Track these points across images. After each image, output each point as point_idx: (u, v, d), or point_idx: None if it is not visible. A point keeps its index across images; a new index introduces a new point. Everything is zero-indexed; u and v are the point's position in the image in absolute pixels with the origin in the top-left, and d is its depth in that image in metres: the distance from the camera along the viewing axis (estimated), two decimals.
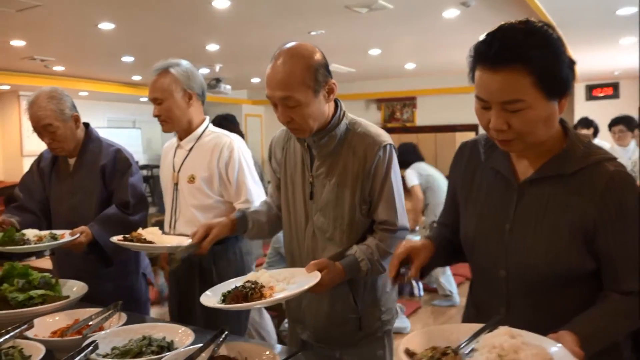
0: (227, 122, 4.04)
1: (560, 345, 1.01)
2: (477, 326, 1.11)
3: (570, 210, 1.16)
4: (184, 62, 2.16)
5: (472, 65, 1.15)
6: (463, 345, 1.05)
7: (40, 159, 2.42)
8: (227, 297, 1.38)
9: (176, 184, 2.19)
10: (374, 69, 9.11)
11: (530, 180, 1.22)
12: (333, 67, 8.41)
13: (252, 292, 1.37)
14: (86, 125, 2.36)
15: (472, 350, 1.04)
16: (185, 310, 2.19)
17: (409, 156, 4.98)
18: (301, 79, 1.50)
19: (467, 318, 1.40)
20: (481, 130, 1.27)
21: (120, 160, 2.27)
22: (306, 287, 1.37)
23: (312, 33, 6.03)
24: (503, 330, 1.03)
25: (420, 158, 5.09)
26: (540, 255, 1.18)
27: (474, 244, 1.31)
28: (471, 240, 1.31)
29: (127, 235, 1.86)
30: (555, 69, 1.10)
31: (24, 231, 2.01)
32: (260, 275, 1.46)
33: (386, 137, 1.64)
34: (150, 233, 1.86)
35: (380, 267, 1.61)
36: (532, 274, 1.20)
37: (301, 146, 1.68)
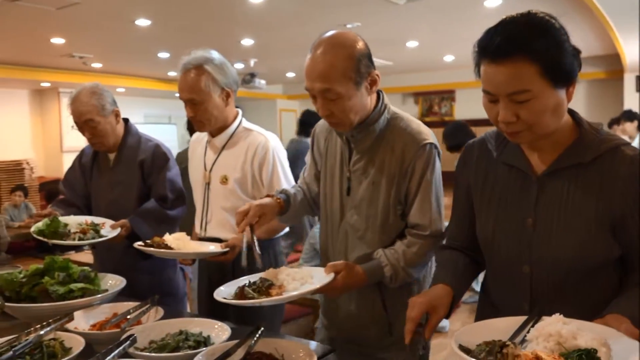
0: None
1: (611, 328, 1.02)
2: (519, 319, 1.12)
3: (594, 199, 1.17)
4: (215, 55, 2.02)
5: (477, 60, 1.18)
6: (513, 337, 1.06)
7: (81, 154, 2.50)
8: (237, 294, 1.38)
9: (208, 184, 2.11)
10: (411, 62, 9.01)
11: (549, 172, 1.22)
12: None
13: (260, 290, 1.37)
14: (125, 120, 2.42)
15: (524, 341, 1.05)
16: (217, 306, 2.19)
17: (461, 138, 4.49)
18: (342, 71, 1.44)
19: (483, 318, 1.35)
20: None
21: (158, 155, 2.32)
22: (310, 288, 1.36)
23: (348, 26, 6.01)
24: (555, 318, 1.05)
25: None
26: (567, 247, 1.18)
27: (493, 243, 1.30)
28: (490, 239, 1.30)
29: (148, 241, 1.89)
30: (558, 57, 1.11)
31: (67, 218, 2.10)
32: (277, 273, 1.45)
33: (427, 135, 1.55)
34: (177, 239, 1.86)
35: (405, 274, 1.53)
36: (558, 267, 1.20)
37: (340, 139, 1.64)
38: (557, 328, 1.02)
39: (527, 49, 1.09)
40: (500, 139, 1.31)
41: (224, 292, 1.42)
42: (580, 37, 6.62)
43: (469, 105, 10.31)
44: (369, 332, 1.63)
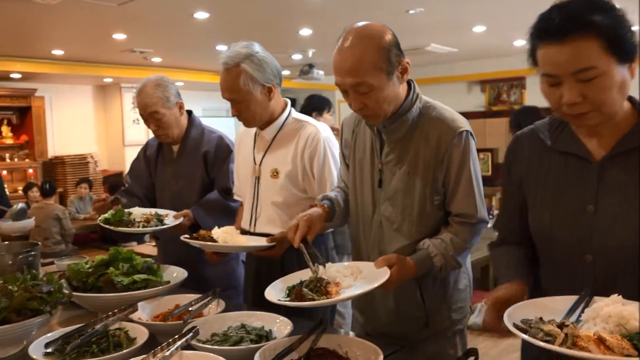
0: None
1: None
2: (569, 298, 1.17)
3: None
4: (255, 48, 1.97)
5: (534, 44, 1.19)
6: (566, 317, 1.10)
7: (146, 146, 2.60)
8: (291, 293, 1.38)
9: (257, 178, 2.10)
10: (478, 48, 8.75)
11: (610, 157, 1.22)
12: (432, 47, 8.26)
13: (317, 289, 1.36)
14: (189, 112, 2.49)
15: (579, 321, 1.08)
16: (265, 301, 2.19)
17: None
18: (373, 63, 1.44)
19: None
20: None
21: (221, 147, 2.37)
22: (375, 285, 1.34)
23: (411, 12, 5.90)
24: (614, 299, 1.07)
25: None
26: (631, 233, 1.17)
27: (551, 233, 1.30)
28: (548, 230, 1.30)
29: (194, 234, 1.94)
30: (622, 31, 1.12)
31: (131, 209, 2.19)
32: (326, 270, 1.44)
33: (462, 123, 1.56)
34: (225, 232, 1.89)
35: (455, 262, 1.55)
36: (622, 254, 1.19)
37: (371, 130, 1.64)
38: (617, 309, 1.03)
39: (590, 24, 1.10)
40: (554, 127, 1.32)
41: (274, 293, 1.42)
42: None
43: (540, 93, 9.90)
44: (407, 326, 1.64)
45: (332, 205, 1.71)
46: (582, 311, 1.11)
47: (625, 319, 1.00)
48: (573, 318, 1.10)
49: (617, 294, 1.08)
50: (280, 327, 1.48)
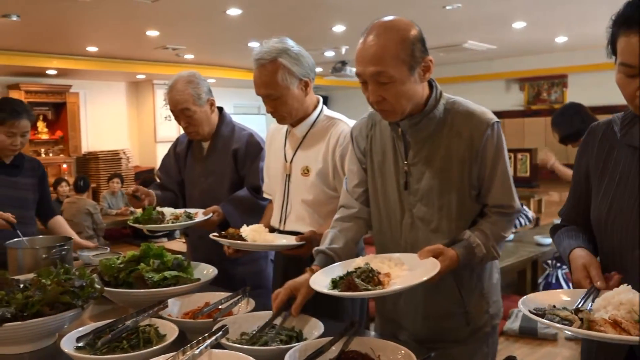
0: None
1: None
2: (581, 291, 1.22)
3: None
4: (290, 43, 1.97)
5: (614, 32, 1.18)
6: (580, 304, 1.15)
7: (176, 143, 2.63)
8: (338, 284, 1.36)
9: (288, 176, 2.08)
10: (517, 45, 8.59)
11: None
12: (470, 44, 8.15)
13: (369, 279, 1.34)
14: (220, 109, 2.51)
15: (590, 311, 1.12)
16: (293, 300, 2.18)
17: (578, 125, 3.43)
18: (396, 53, 1.43)
19: None
20: None
21: (252, 144, 2.38)
22: (429, 275, 1.32)
23: (448, 7, 5.83)
24: (624, 288, 1.10)
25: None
26: None
27: (607, 225, 1.31)
28: (604, 221, 1.32)
29: (223, 232, 1.94)
30: None
31: (161, 209, 2.21)
32: (370, 260, 1.43)
33: (492, 115, 1.56)
34: (254, 230, 1.89)
35: (495, 252, 1.55)
36: None
37: (392, 132, 1.61)
38: (629, 297, 1.06)
39: None
40: (627, 120, 1.31)
41: (318, 284, 1.40)
42: None
43: (583, 91, 9.64)
44: (446, 325, 1.62)
45: (329, 261, 1.62)
46: (593, 301, 1.15)
47: (637, 305, 1.03)
48: (587, 306, 1.14)
49: (626, 284, 1.12)
50: (311, 327, 1.47)
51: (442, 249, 1.45)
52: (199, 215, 2.23)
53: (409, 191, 1.58)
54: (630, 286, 1.11)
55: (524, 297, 1.21)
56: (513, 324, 4.16)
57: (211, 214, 2.20)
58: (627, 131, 1.30)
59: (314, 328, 1.46)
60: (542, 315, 1.13)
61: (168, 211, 2.22)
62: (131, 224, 2.18)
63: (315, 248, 1.68)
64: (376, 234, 1.72)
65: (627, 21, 1.14)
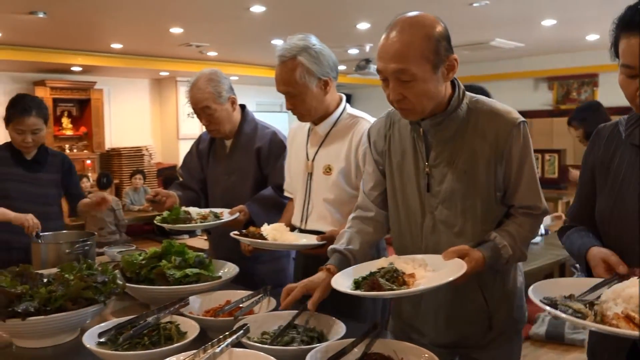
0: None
1: None
2: (590, 280, 1.26)
3: None
4: (312, 41, 1.98)
5: (617, 35, 1.24)
6: (586, 295, 1.18)
7: (199, 140, 2.64)
8: (361, 284, 1.35)
9: (310, 174, 2.09)
10: (547, 43, 8.45)
11: None
12: (497, 42, 8.05)
13: (394, 279, 1.32)
14: (242, 107, 2.51)
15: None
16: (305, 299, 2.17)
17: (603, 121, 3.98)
18: (420, 50, 1.40)
19: None
20: None
21: (275, 143, 2.38)
22: (456, 276, 1.30)
23: (475, 5, 5.76)
24: (634, 281, 1.11)
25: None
26: None
27: (610, 223, 1.36)
28: (607, 219, 1.37)
29: (243, 230, 1.94)
30: None
31: (187, 209, 2.23)
32: (393, 261, 1.42)
33: (517, 114, 1.54)
34: (275, 229, 1.89)
35: (521, 254, 1.54)
36: None
37: (413, 132, 1.58)
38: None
39: None
40: (632, 121, 1.36)
41: (340, 284, 1.39)
42: None
43: (614, 91, 9.37)
44: (469, 330, 1.59)
45: (345, 261, 1.61)
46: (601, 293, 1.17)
47: None
48: (594, 297, 1.17)
49: (637, 277, 1.13)
50: (333, 328, 1.47)
51: (468, 249, 1.43)
52: (225, 214, 2.24)
53: (430, 193, 1.55)
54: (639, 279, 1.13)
55: (534, 285, 1.23)
56: (539, 328, 4.09)
57: (237, 214, 2.21)
58: (632, 131, 1.36)
59: (336, 329, 1.45)
60: (554, 305, 1.14)
61: (194, 211, 2.23)
62: (158, 223, 2.20)
63: (331, 247, 1.67)
64: (395, 236, 1.69)
65: (628, 24, 1.20)
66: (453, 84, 1.55)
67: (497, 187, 1.51)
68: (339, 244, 1.66)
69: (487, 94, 2.06)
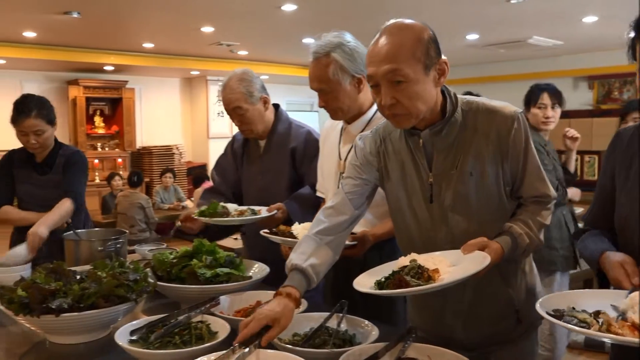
0: None
1: None
2: (602, 292, 1.29)
3: None
4: (347, 38, 1.98)
5: (633, 38, 1.29)
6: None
7: (233, 140, 2.66)
8: (385, 284, 1.34)
9: (342, 174, 2.02)
10: (587, 40, 8.26)
11: None
12: (535, 39, 7.91)
13: (419, 276, 1.32)
14: (276, 106, 2.52)
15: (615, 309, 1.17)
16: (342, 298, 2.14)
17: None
18: (411, 51, 1.40)
19: None
20: None
21: (310, 142, 2.38)
22: (480, 267, 1.29)
23: (512, 1, 5.66)
24: None
25: None
26: None
27: (628, 227, 1.36)
28: (625, 224, 1.38)
29: (274, 229, 1.94)
30: None
31: (225, 204, 2.25)
32: (415, 259, 1.40)
33: (513, 107, 1.53)
34: (305, 228, 1.88)
35: (538, 241, 1.53)
36: None
37: (410, 144, 1.56)
38: None
39: None
40: None
41: (362, 285, 1.38)
42: None
43: None
44: (498, 328, 1.58)
45: (307, 281, 1.51)
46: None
47: None
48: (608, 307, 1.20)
49: None
50: (366, 331, 1.46)
51: (487, 241, 1.42)
52: (263, 212, 2.25)
53: (437, 203, 1.54)
54: None
55: (542, 298, 1.25)
56: (578, 336, 4.00)
57: (275, 211, 2.22)
58: None
59: (369, 332, 1.44)
60: (561, 317, 1.15)
61: (232, 207, 2.25)
62: (196, 217, 2.25)
63: (293, 262, 1.54)
64: (405, 248, 1.64)
65: None
66: (442, 91, 1.54)
67: (505, 182, 1.51)
68: (300, 258, 1.54)
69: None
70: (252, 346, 1.24)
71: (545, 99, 3.22)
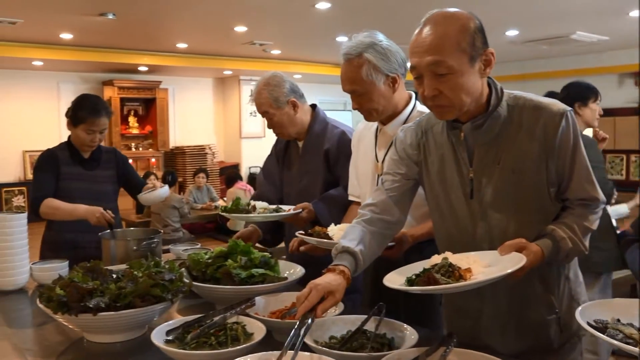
0: None
1: None
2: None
3: None
4: (379, 37, 1.95)
5: None
6: None
7: (277, 142, 2.68)
8: (415, 281, 1.33)
9: (380, 176, 2.00)
10: (634, 35, 8.02)
11: None
12: (578, 35, 7.73)
13: (450, 274, 1.29)
14: (313, 106, 2.52)
15: None
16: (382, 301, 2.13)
17: None
18: (456, 42, 1.37)
19: None
20: None
21: (343, 143, 2.36)
22: (514, 268, 1.26)
23: None
24: None
25: None
26: None
27: None
28: None
29: (309, 230, 1.93)
30: None
31: (255, 202, 2.28)
32: (448, 258, 1.38)
33: (562, 105, 1.47)
34: (341, 229, 1.86)
35: (582, 246, 1.47)
36: None
37: (451, 137, 1.53)
38: None
39: None
40: None
41: (393, 282, 1.38)
42: None
43: None
44: (539, 336, 1.53)
45: (355, 264, 1.55)
46: None
47: None
48: None
49: None
50: (405, 335, 1.44)
51: (525, 243, 1.39)
52: (289, 210, 2.25)
53: (477, 199, 1.51)
54: None
55: (582, 306, 1.20)
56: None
57: (300, 210, 2.22)
58: None
59: (408, 336, 1.42)
60: (603, 330, 1.08)
61: (261, 205, 2.27)
62: (220, 213, 2.30)
63: (343, 244, 1.57)
64: (444, 247, 1.60)
65: None
66: (489, 83, 1.50)
67: (549, 182, 1.46)
68: (351, 242, 1.57)
69: None
70: (312, 317, 1.32)
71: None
